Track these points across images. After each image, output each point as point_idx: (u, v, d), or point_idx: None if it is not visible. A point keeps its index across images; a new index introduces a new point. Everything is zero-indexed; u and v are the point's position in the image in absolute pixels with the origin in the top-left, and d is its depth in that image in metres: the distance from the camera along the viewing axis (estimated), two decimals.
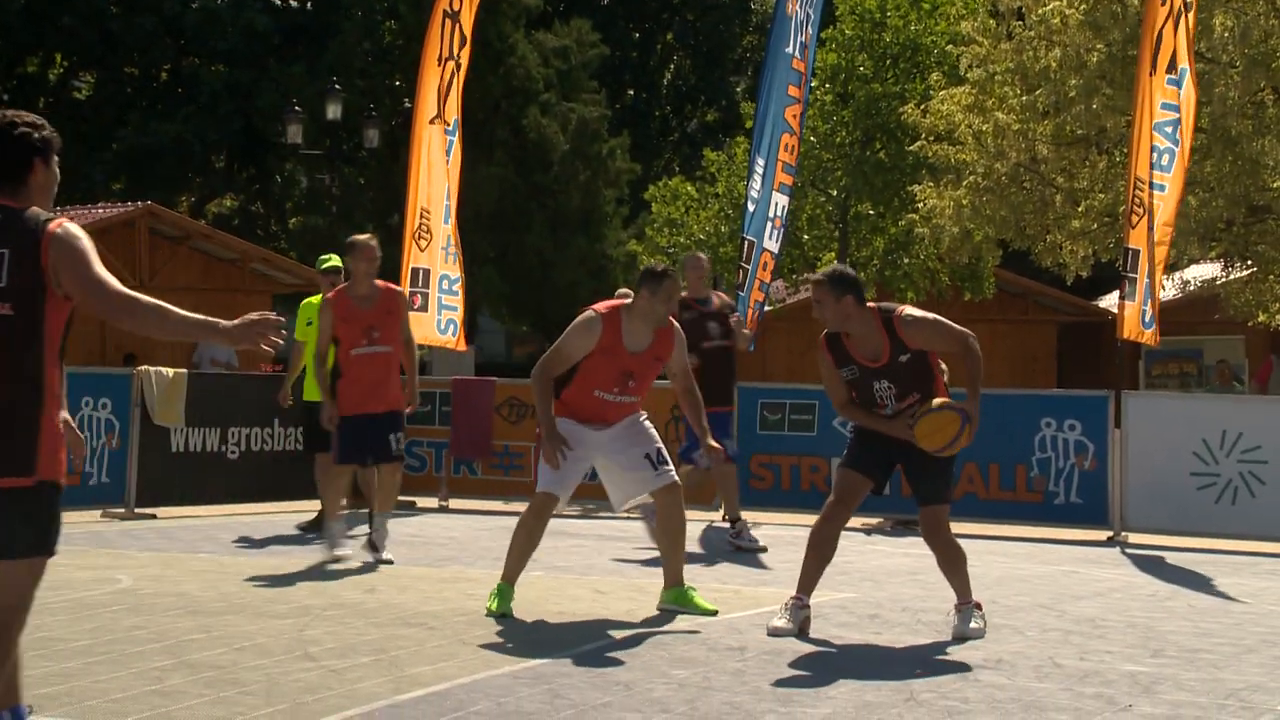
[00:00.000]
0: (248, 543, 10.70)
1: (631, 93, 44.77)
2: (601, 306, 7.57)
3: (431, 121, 13.76)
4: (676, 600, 7.59)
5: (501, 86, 32.92)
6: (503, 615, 7.32)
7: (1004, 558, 10.49)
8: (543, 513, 7.61)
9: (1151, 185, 11.61)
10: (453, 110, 13.89)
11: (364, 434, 9.62)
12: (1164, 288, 13.78)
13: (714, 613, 7.51)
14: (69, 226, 4.33)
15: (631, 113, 42.74)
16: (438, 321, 13.81)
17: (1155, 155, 11.62)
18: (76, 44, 36.89)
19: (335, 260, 11.82)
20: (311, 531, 11.30)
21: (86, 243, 4.32)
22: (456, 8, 13.95)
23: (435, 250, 13.69)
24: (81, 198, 30.99)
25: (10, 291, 4.20)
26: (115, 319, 4.39)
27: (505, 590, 7.49)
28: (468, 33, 14.05)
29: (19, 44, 36.40)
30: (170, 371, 13.07)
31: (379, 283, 9.89)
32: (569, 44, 35.61)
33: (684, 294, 10.54)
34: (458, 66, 13.88)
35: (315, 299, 11.90)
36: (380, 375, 9.76)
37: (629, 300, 7.58)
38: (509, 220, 33.02)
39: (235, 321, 4.64)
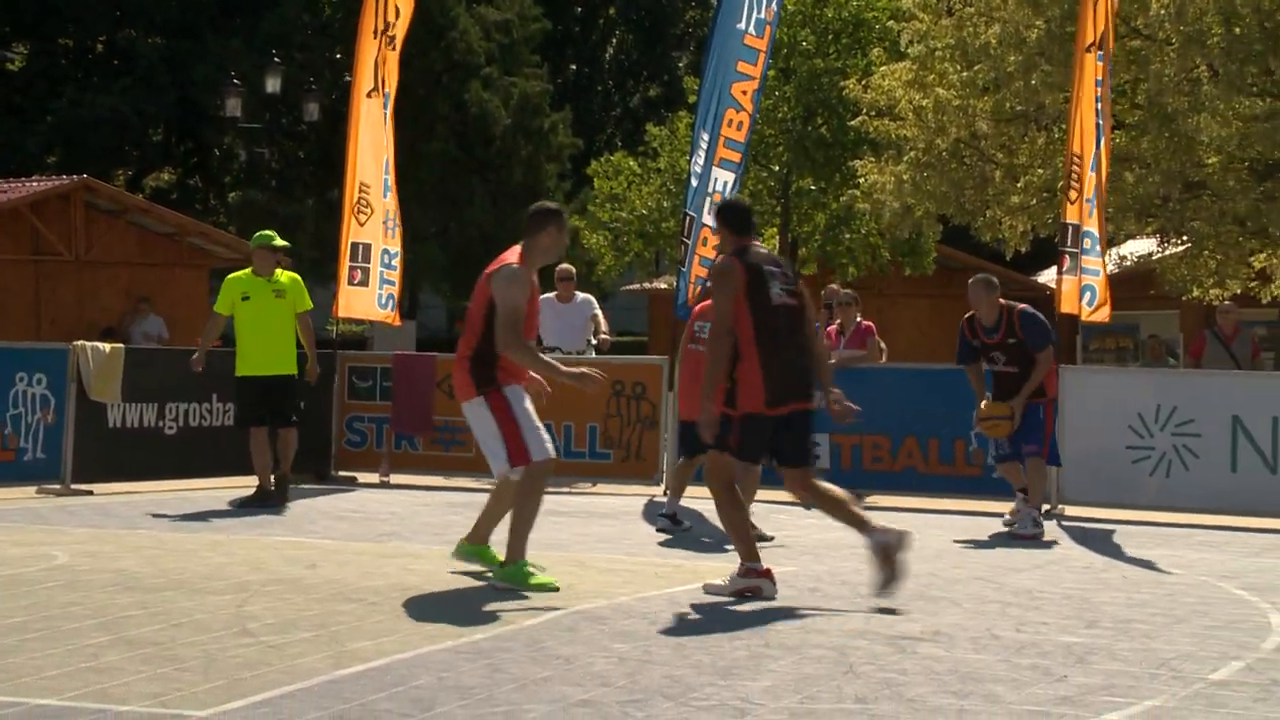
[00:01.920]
0: (186, 519, 10.63)
1: (574, 67, 44.66)
2: (512, 257, 7.54)
3: (369, 95, 13.68)
4: (476, 554, 7.73)
5: (443, 60, 32.74)
6: (553, 587, 7.32)
7: (942, 531, 10.59)
8: (547, 477, 7.57)
9: (1094, 160, 11.73)
10: (388, 83, 13.79)
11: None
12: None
13: (554, 588, 7.35)
14: None
15: (573, 87, 42.65)
16: (378, 296, 13.74)
17: (1098, 131, 11.74)
18: (9, 14, 36.35)
19: (277, 237, 11.88)
20: (248, 507, 11.37)
21: None
22: None
23: (376, 225, 13.62)
24: (15, 170, 30.58)
25: None
26: None
27: (524, 567, 7.42)
28: (403, 5, 13.95)
29: None
30: (107, 347, 12.94)
31: None
32: (511, 18, 35.44)
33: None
34: (390, 40, 13.78)
35: (241, 274, 11.90)
36: None
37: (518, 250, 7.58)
38: (450, 195, 32.89)
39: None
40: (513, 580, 7.41)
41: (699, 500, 11.47)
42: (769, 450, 7.46)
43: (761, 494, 10.55)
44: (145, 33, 36.78)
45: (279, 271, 11.84)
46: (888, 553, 7.14)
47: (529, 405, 7.55)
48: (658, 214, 27.83)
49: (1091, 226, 11.81)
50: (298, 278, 11.97)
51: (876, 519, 7.56)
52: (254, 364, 11.68)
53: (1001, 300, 10.58)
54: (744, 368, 7.23)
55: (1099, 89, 11.76)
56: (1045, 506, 11.87)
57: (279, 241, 11.95)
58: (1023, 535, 10.26)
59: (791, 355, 7.29)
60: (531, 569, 7.45)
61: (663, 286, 29.73)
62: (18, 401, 12.05)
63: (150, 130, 37.47)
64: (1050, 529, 10.82)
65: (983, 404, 10.63)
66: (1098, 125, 11.73)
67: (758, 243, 7.66)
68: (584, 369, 7.67)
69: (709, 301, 9.17)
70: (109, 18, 37.04)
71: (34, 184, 23.22)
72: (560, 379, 7.54)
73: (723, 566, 8.55)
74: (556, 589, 7.33)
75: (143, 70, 35.33)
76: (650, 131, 29.73)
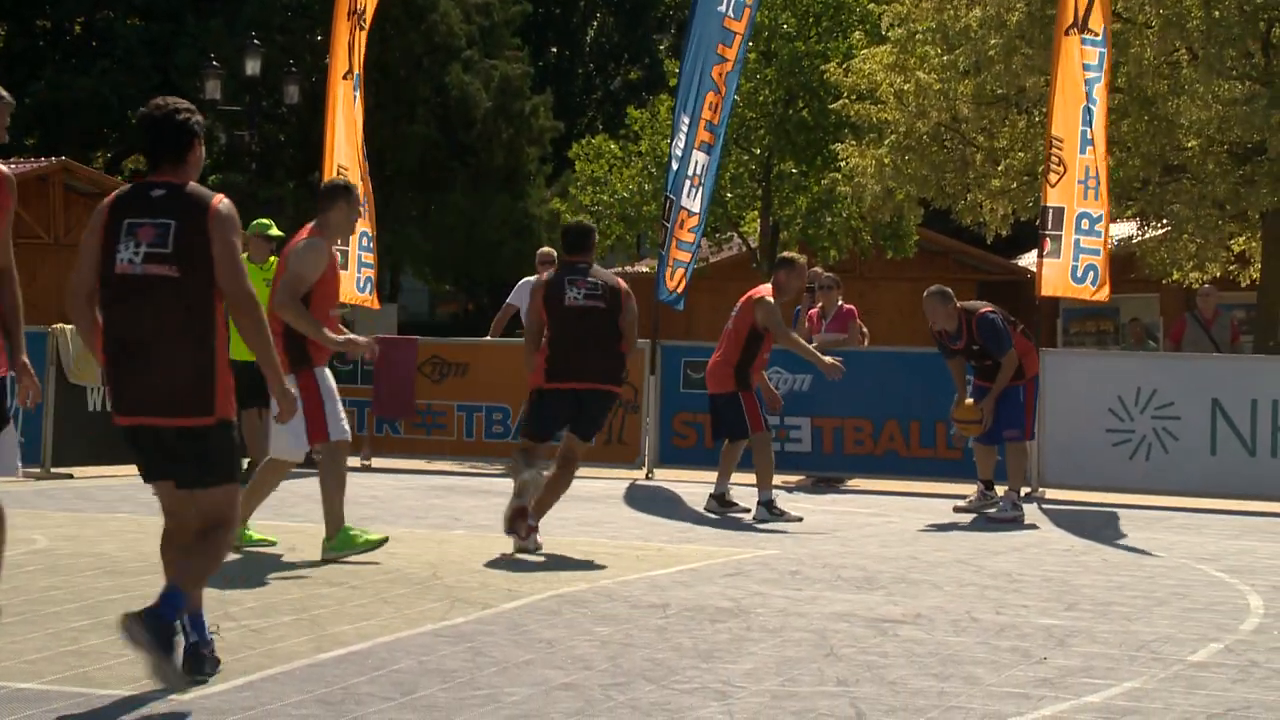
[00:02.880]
0: None
1: (554, 50, 44.57)
2: (305, 233, 7.91)
3: (344, 77, 13.64)
4: (341, 546, 7.80)
5: (423, 43, 32.65)
6: (381, 541, 7.81)
7: (923, 514, 10.62)
8: (346, 454, 7.95)
9: (1085, 142, 11.72)
10: (357, 65, 13.75)
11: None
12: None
13: (383, 540, 7.84)
14: (228, 204, 5.10)
15: (554, 70, 42.57)
16: (357, 279, 13.72)
17: (1085, 114, 11.73)
18: None
19: (273, 226, 11.95)
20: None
21: (237, 224, 5.10)
22: None
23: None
24: None
25: (174, 256, 4.94)
26: (233, 306, 5.09)
27: (349, 531, 7.83)
28: None
29: None
30: None
31: None
32: (491, 0, 35.33)
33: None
34: (361, 21, 13.73)
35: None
36: None
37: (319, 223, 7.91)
38: (432, 179, 32.81)
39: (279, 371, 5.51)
40: (344, 548, 7.74)
41: (689, 484, 11.48)
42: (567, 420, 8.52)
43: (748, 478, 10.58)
44: (124, 14, 36.58)
45: (273, 259, 11.89)
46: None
47: (333, 385, 7.84)
48: (639, 197, 27.78)
49: (1089, 207, 11.80)
50: None
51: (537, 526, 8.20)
52: (246, 350, 11.71)
53: (960, 305, 10.62)
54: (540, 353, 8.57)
55: (1086, 71, 11.73)
56: (1025, 490, 11.92)
57: (274, 231, 12.03)
58: (1002, 519, 10.25)
59: (576, 345, 8.49)
60: (355, 531, 7.85)
61: (644, 270, 29.70)
62: None
63: (129, 112, 37.23)
64: (1030, 512, 10.86)
65: (955, 407, 10.82)
66: (1087, 107, 11.70)
67: (586, 260, 8.66)
68: (351, 336, 8.04)
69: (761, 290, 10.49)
70: (87, 0, 36.84)
71: (12, 166, 23.05)
72: (328, 345, 7.71)
73: (704, 550, 8.57)
74: (385, 540, 7.82)
75: (122, 52, 35.14)
76: (631, 115, 29.65)
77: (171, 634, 4.81)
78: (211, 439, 5.07)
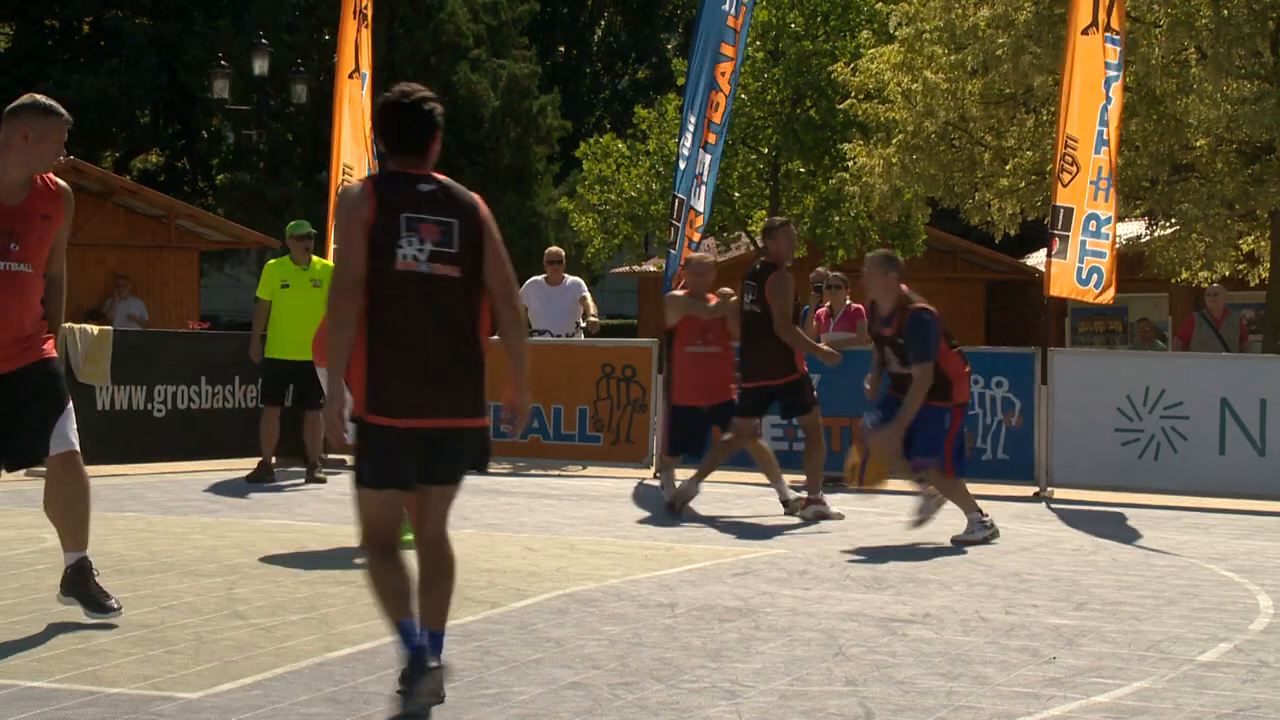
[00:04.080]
0: (175, 501, 10.62)
1: (562, 49, 44.56)
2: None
3: (350, 76, 13.68)
4: None
5: (431, 42, 32.64)
6: None
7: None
8: None
9: (1101, 142, 11.68)
10: (364, 64, 13.80)
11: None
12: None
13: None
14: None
15: (562, 70, 42.55)
16: None
17: (1102, 114, 11.67)
18: None
19: (308, 226, 12.16)
20: (256, 482, 11.73)
21: None
22: None
23: None
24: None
25: (459, 257, 4.83)
26: (504, 302, 4.95)
27: None
28: None
29: None
30: (95, 329, 12.91)
31: None
32: (499, 0, 35.34)
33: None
34: (364, 19, 13.77)
35: (280, 260, 12.16)
36: None
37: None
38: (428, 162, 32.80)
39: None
40: None
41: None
42: None
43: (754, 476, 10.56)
44: (133, 13, 36.61)
45: (315, 260, 12.06)
46: None
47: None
48: (647, 196, 27.79)
49: (1098, 209, 11.76)
50: (332, 265, 12.16)
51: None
52: (286, 348, 11.97)
53: (904, 290, 9.10)
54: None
55: (1107, 70, 11.67)
56: (1033, 490, 11.90)
57: (306, 228, 12.18)
58: (971, 541, 8.96)
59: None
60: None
61: (652, 269, 29.71)
62: None
63: (138, 112, 37.29)
64: (1039, 511, 10.85)
65: (848, 458, 9.34)
66: (1104, 107, 11.66)
67: None
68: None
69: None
70: None
71: None
72: None
73: (712, 549, 8.57)
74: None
75: (130, 51, 35.16)
76: (639, 114, 29.67)
77: (440, 671, 4.78)
78: (486, 439, 4.97)
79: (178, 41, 34.62)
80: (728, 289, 10.90)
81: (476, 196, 4.98)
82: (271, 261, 12.43)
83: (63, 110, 5.92)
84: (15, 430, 5.97)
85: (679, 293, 10.90)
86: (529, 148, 33.74)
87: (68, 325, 12.78)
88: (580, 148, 30.21)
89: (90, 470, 6.09)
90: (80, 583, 5.94)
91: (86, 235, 21.97)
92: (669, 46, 43.28)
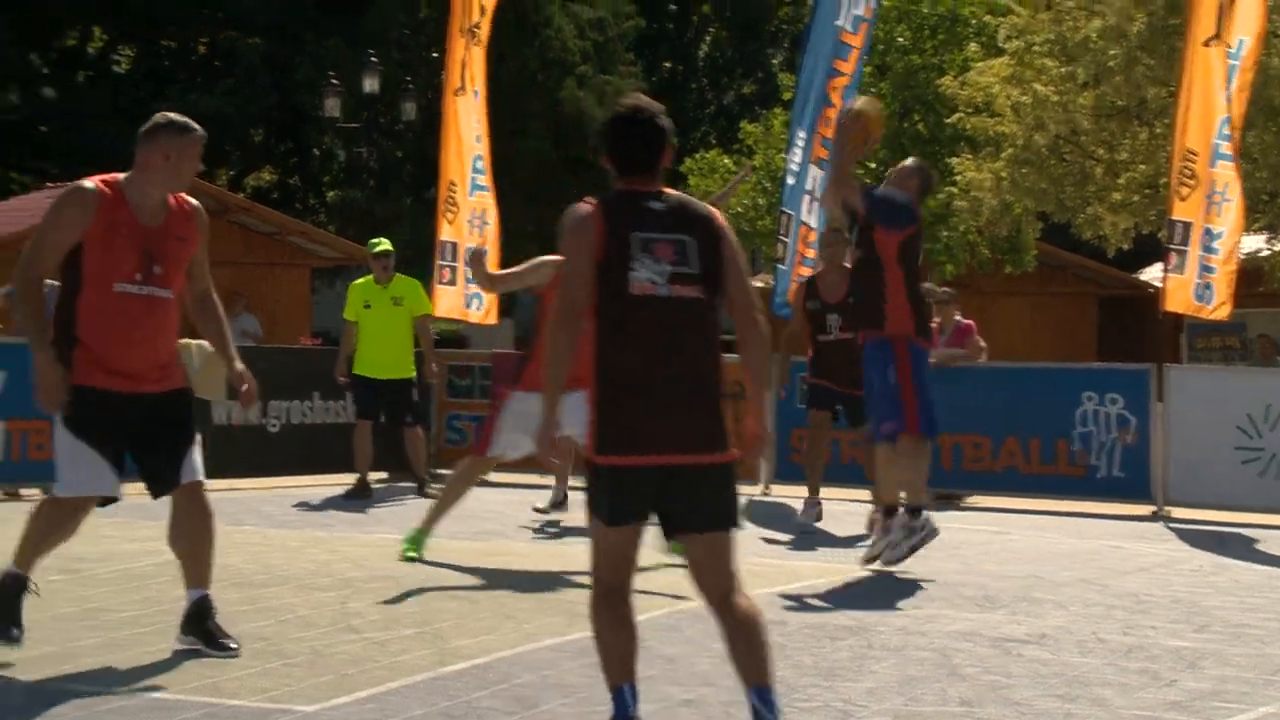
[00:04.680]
0: (289, 516, 10.76)
1: (668, 65, 44.63)
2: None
3: (456, 93, 13.79)
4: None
5: (537, 59, 32.89)
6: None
7: (1047, 533, 10.46)
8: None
9: (1219, 155, 11.48)
10: (475, 80, 13.88)
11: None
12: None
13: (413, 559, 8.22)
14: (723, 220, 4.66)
15: (668, 85, 42.60)
16: (465, 295, 13.83)
17: (1222, 127, 11.47)
18: (115, 17, 37.04)
19: (386, 244, 12.23)
20: (354, 498, 11.79)
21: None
22: None
23: (461, 223, 13.72)
24: (121, 170, 31.07)
25: (701, 277, 4.47)
26: (748, 321, 4.54)
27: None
28: (487, 3, 14.01)
29: (59, 18, 36.56)
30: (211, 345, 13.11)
31: None
32: (605, 15, 35.52)
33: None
34: (474, 36, 13.87)
35: (363, 281, 12.26)
36: None
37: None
38: (547, 194, 32.99)
39: None
40: (410, 547, 8.39)
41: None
42: None
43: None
44: (246, 34, 37.29)
45: (398, 278, 12.16)
46: None
47: (529, 409, 7.37)
48: (753, 212, 27.75)
49: (1216, 223, 11.56)
50: (416, 283, 12.31)
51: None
52: (371, 366, 12.10)
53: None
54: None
55: (1227, 83, 11.47)
56: (1150, 509, 11.68)
57: (383, 246, 12.25)
58: (893, 561, 8.04)
59: None
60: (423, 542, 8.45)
61: (759, 285, 29.65)
62: None
63: (251, 130, 37.96)
64: (1157, 531, 10.66)
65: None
66: (1224, 120, 11.45)
67: None
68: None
69: None
70: (211, 20, 37.61)
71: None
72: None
73: (823, 566, 8.51)
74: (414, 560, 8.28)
75: (244, 71, 35.82)
76: (745, 129, 29.65)
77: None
78: (732, 475, 4.57)
79: (290, 61, 35.20)
80: None
81: (711, 208, 4.65)
82: (355, 282, 12.56)
83: (197, 126, 5.90)
84: (152, 454, 5.97)
85: None
86: None
87: (185, 341, 13.02)
88: (686, 163, 30.25)
89: (208, 484, 6.16)
90: (198, 620, 5.80)
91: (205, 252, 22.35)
92: (775, 61, 43.20)
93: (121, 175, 5.90)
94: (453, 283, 13.72)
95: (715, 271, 4.50)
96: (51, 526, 5.80)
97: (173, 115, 5.93)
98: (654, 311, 4.41)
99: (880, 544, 8.09)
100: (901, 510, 8.07)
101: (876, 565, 8.07)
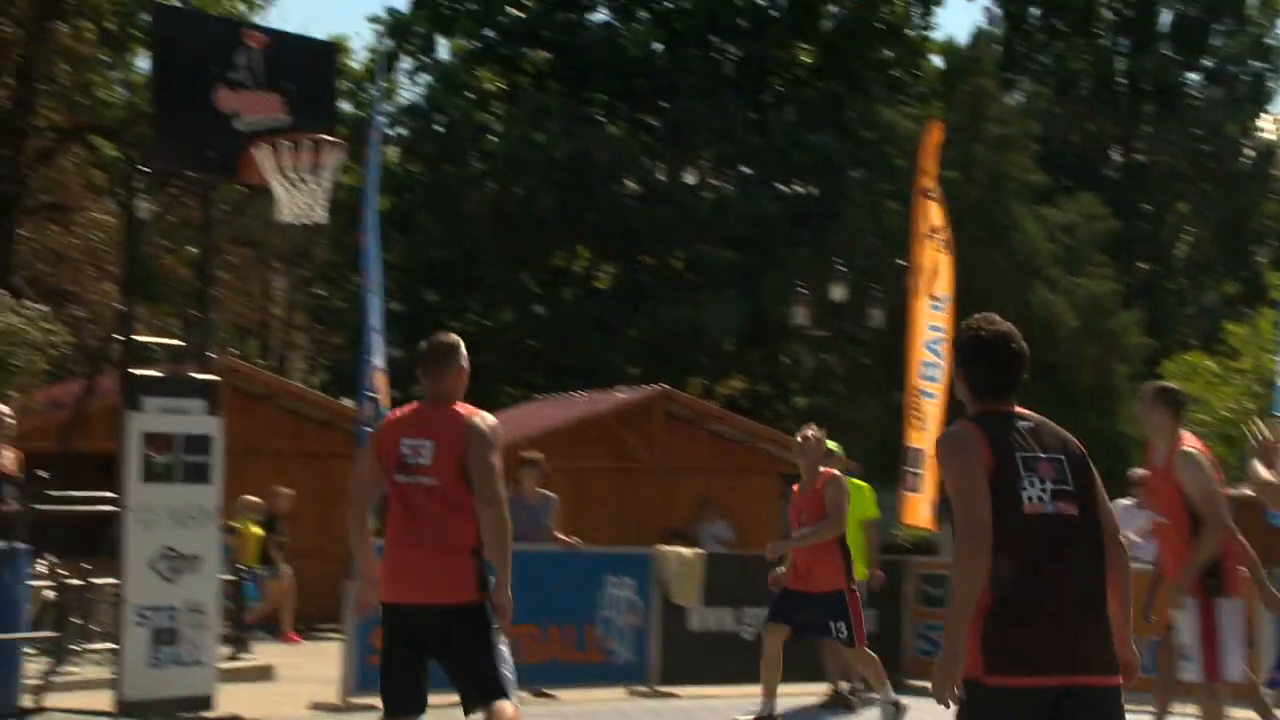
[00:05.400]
0: None
1: (1143, 265, 43.34)
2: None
3: (921, 297, 13.87)
4: None
5: (1005, 262, 32.59)
6: None
7: None
8: None
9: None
10: (938, 286, 13.92)
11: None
12: None
13: None
14: None
15: (1144, 286, 41.30)
16: (935, 503, 13.62)
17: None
18: (599, 237, 39.34)
19: (831, 444, 12.28)
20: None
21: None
22: (929, 186, 14.19)
23: (930, 431, 13.56)
24: (602, 382, 32.66)
25: (1076, 494, 4.63)
26: (1109, 543, 4.69)
27: None
28: (936, 210, 14.07)
29: (551, 239, 39.15)
30: (688, 551, 13.37)
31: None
32: (1076, 218, 34.93)
33: None
34: (937, 242, 13.98)
35: (855, 480, 12.25)
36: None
37: None
38: (1021, 399, 32.38)
39: None
40: None
41: None
42: None
43: None
44: (719, 247, 38.75)
45: (850, 480, 12.07)
46: None
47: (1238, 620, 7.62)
48: (1240, 417, 26.25)
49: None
50: (865, 486, 12.18)
51: None
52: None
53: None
54: None
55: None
56: None
57: (831, 445, 12.29)
58: None
59: None
60: None
61: (1249, 494, 27.88)
62: (608, 603, 12.59)
63: (722, 340, 39.16)
64: None
65: None
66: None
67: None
68: None
69: None
70: (687, 235, 39.35)
71: (619, 394, 24.68)
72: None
73: None
74: None
75: (715, 283, 37.14)
76: (1230, 330, 28.28)
77: None
78: (1118, 702, 4.54)
79: (760, 272, 36.25)
80: None
81: (1069, 435, 4.83)
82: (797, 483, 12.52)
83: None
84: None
85: None
86: (1110, 367, 32.79)
87: (661, 547, 13.31)
88: (1165, 365, 29.07)
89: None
90: None
91: (676, 460, 23.02)
92: (1261, 260, 41.22)
93: None
94: (916, 489, 13.57)
95: (1088, 491, 4.65)
96: None
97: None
98: (1044, 528, 4.52)
99: None
100: None
101: None
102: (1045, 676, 4.33)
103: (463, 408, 6.60)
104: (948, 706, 4.49)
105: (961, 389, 4.84)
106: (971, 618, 4.41)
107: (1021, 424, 4.74)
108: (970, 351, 4.82)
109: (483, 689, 6.35)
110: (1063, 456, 4.66)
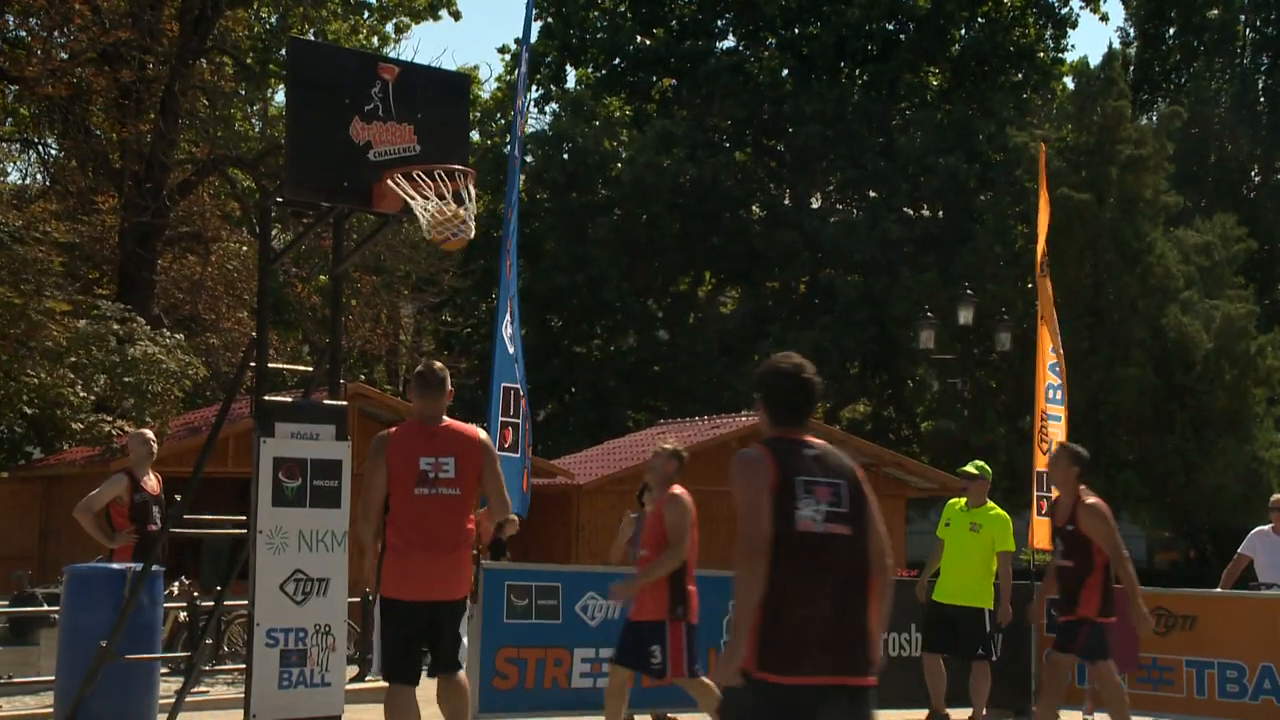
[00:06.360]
0: None
1: None
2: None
3: (1044, 321, 13.91)
4: None
5: (1139, 285, 32.10)
6: None
7: None
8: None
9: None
10: (1043, 309, 14.01)
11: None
12: None
13: None
14: None
15: None
16: None
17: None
18: (723, 262, 39.42)
19: (969, 467, 12.14)
20: None
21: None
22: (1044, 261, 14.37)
23: None
24: (724, 407, 32.73)
25: (849, 516, 5.19)
26: (877, 567, 5.29)
27: None
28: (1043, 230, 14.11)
29: (675, 265, 39.32)
30: None
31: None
32: (1212, 240, 34.29)
33: None
34: (1044, 267, 14.04)
35: (959, 500, 12.11)
36: None
37: None
38: (1149, 422, 31.81)
39: None
40: None
41: None
42: None
43: None
44: (844, 271, 38.64)
45: (989, 505, 11.95)
46: None
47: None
48: None
49: None
50: (1005, 516, 11.98)
51: None
52: (942, 591, 11.87)
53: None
54: None
55: None
56: None
57: (969, 469, 12.19)
58: None
59: None
60: None
61: None
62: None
63: (847, 363, 39.01)
64: None
65: None
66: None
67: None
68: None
69: None
70: (811, 260, 39.29)
71: (742, 420, 24.71)
72: None
73: None
74: None
75: (841, 307, 37.02)
76: None
77: None
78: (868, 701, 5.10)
79: (886, 295, 36.08)
80: None
81: (851, 461, 5.30)
82: (951, 500, 12.37)
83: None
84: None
85: None
86: (1246, 390, 32.08)
87: None
88: None
89: None
90: None
91: None
92: None
93: None
94: (1049, 515, 13.44)
95: (861, 514, 5.18)
96: None
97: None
98: (813, 545, 5.03)
99: None
100: None
101: None
102: (808, 676, 4.89)
103: (470, 428, 7.83)
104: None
105: (760, 415, 5.29)
106: (751, 619, 4.93)
107: (808, 450, 5.18)
108: (768, 381, 5.25)
109: (452, 661, 7.64)
110: (842, 481, 5.16)
